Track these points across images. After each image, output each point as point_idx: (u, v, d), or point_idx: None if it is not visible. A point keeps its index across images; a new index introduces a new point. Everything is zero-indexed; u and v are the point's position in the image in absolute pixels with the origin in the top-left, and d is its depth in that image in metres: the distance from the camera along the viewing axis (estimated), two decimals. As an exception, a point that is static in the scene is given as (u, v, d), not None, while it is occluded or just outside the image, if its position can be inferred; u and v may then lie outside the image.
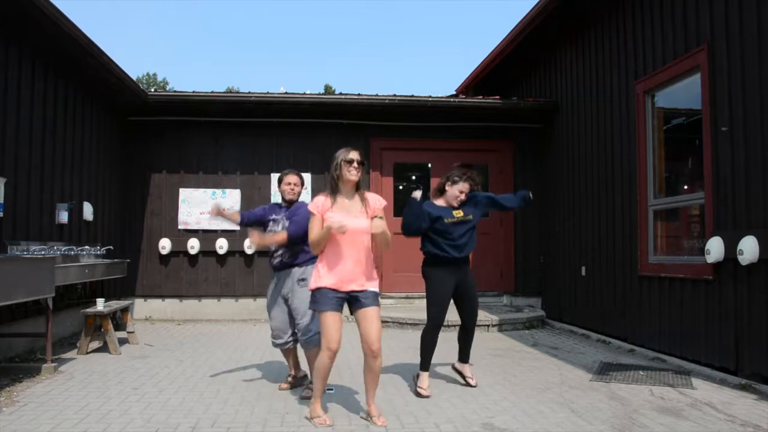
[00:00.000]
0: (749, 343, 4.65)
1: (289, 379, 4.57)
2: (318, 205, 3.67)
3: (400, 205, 8.36)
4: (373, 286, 3.66)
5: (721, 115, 5.04)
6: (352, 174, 3.62)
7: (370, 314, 3.60)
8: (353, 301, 3.63)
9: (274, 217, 4.50)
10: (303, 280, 4.29)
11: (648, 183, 6.13)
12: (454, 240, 4.46)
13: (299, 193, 4.54)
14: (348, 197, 3.69)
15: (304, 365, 4.60)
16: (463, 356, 4.71)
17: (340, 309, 3.62)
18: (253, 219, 4.57)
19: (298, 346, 4.47)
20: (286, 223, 4.37)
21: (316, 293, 3.62)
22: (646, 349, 5.95)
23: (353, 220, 3.58)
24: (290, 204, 4.50)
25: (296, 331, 4.37)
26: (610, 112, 6.88)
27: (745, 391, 4.52)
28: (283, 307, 4.42)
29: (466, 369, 4.71)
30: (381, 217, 3.63)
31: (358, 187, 3.71)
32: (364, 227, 3.59)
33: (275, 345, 4.53)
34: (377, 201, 3.74)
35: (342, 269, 3.58)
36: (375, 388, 3.72)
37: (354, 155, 3.65)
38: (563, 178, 8.01)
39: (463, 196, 4.56)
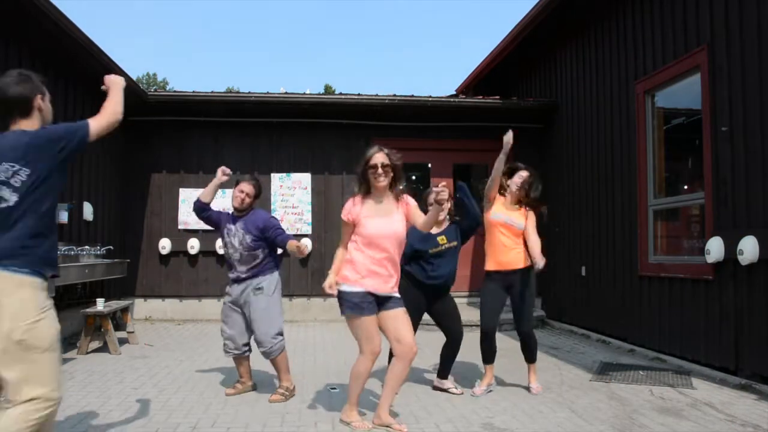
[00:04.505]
0: (749, 343, 4.65)
1: (238, 385, 4.39)
2: (347, 211, 3.54)
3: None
4: (397, 288, 3.58)
5: (721, 115, 5.04)
6: (379, 180, 3.46)
7: (401, 314, 3.50)
8: (381, 303, 3.50)
9: (228, 227, 4.30)
10: (259, 288, 4.22)
11: (648, 183, 6.14)
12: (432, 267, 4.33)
13: (249, 205, 4.31)
14: (379, 199, 3.53)
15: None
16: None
17: (376, 312, 3.47)
18: (214, 217, 4.43)
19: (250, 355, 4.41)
20: (243, 236, 4.20)
21: (352, 297, 3.42)
22: (646, 349, 5.95)
23: (386, 221, 3.47)
24: (241, 213, 4.31)
25: (256, 341, 4.25)
26: (610, 112, 6.88)
27: (745, 391, 4.52)
28: (238, 316, 4.31)
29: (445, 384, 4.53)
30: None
31: (393, 187, 3.54)
32: (398, 230, 3.49)
33: (228, 353, 4.36)
34: (406, 198, 3.59)
35: (378, 273, 3.44)
36: (394, 396, 3.56)
37: (377, 159, 3.47)
38: (563, 178, 8.01)
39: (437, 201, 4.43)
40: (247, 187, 4.32)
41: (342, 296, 3.48)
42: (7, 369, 2.31)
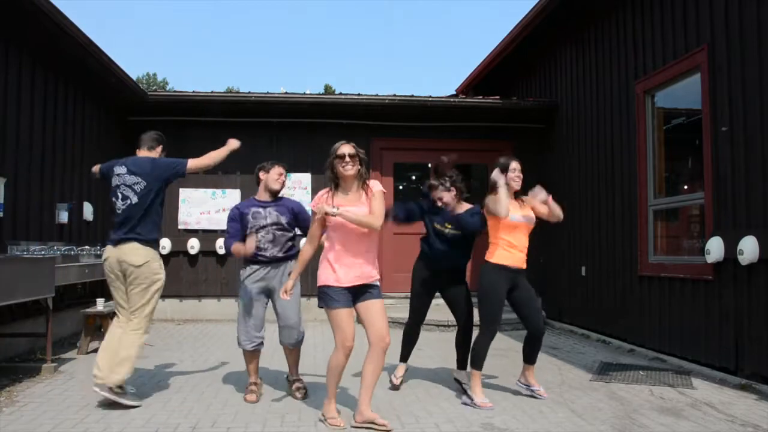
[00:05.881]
0: (749, 343, 4.65)
1: (253, 387, 4.23)
2: (316, 201, 3.63)
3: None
4: (376, 280, 3.60)
5: (721, 115, 5.04)
6: (347, 169, 3.54)
7: (376, 306, 3.54)
8: (357, 295, 3.55)
9: (256, 211, 4.29)
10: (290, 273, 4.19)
11: (648, 183, 6.13)
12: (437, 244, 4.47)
13: (284, 184, 4.44)
14: (347, 191, 3.61)
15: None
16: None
17: (350, 305, 3.53)
18: (238, 234, 4.31)
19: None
20: (278, 217, 4.26)
21: (325, 289, 3.52)
22: (646, 349, 5.95)
23: (351, 208, 3.51)
24: (274, 197, 4.38)
25: (287, 327, 4.21)
26: (610, 112, 6.88)
27: (745, 391, 4.52)
28: (260, 306, 4.26)
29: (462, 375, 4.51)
30: (334, 213, 3.49)
31: (362, 180, 3.60)
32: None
33: (249, 345, 4.19)
34: (375, 186, 3.62)
35: (345, 263, 3.51)
36: (373, 389, 3.60)
37: (345, 149, 3.55)
38: (563, 178, 8.01)
39: (442, 203, 4.44)
40: (281, 168, 4.42)
41: (319, 289, 3.57)
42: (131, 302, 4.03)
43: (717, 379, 4.87)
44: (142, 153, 4.22)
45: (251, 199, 4.45)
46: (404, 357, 4.71)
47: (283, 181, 4.43)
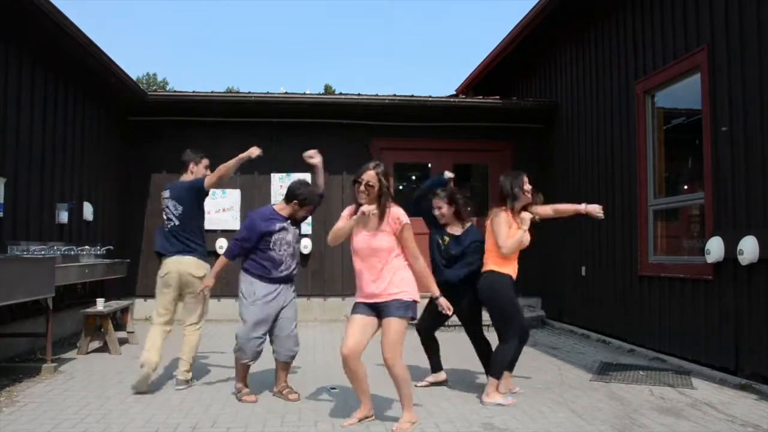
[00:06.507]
0: (749, 343, 4.65)
1: (246, 390, 4.20)
2: (344, 215, 3.73)
3: (400, 204, 8.33)
4: (399, 296, 3.50)
5: (721, 115, 5.04)
6: (360, 197, 3.54)
7: (385, 324, 3.51)
8: (380, 310, 3.55)
9: (283, 225, 4.22)
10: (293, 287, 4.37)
11: (648, 183, 6.13)
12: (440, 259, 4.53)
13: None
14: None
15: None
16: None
17: (365, 313, 3.56)
18: (254, 239, 4.19)
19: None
20: (295, 231, 4.29)
21: (355, 300, 3.69)
22: (646, 349, 5.95)
23: (365, 235, 3.55)
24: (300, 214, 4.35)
25: (288, 341, 4.19)
26: (610, 112, 6.88)
27: (745, 391, 4.52)
28: (271, 317, 4.21)
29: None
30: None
31: (381, 201, 3.52)
32: (375, 245, 3.52)
33: (253, 355, 4.13)
34: (397, 219, 3.54)
35: (361, 284, 3.61)
36: (403, 396, 3.54)
37: (365, 176, 3.52)
38: (563, 178, 8.01)
39: (438, 212, 4.52)
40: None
41: None
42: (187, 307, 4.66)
43: (717, 379, 4.87)
44: (183, 176, 4.67)
45: (274, 212, 4.30)
46: (432, 367, 4.71)
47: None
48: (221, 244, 8.32)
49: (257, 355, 4.20)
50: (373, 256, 3.53)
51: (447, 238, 4.49)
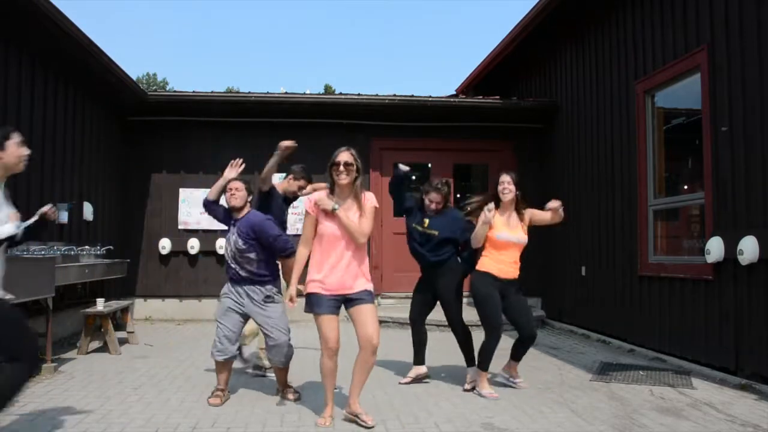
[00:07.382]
0: (749, 343, 4.65)
1: (219, 393, 4.14)
2: (311, 203, 3.61)
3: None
4: (367, 287, 3.62)
5: (721, 115, 5.04)
6: (341, 178, 3.55)
7: (364, 309, 3.57)
8: (347, 301, 3.60)
9: (230, 228, 4.20)
10: (268, 297, 4.12)
11: (648, 183, 6.13)
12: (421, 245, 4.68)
13: (241, 199, 4.18)
14: (343, 198, 3.62)
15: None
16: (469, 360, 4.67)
17: (335, 312, 3.58)
18: (220, 213, 4.33)
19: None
20: (236, 239, 4.07)
21: (311, 296, 3.59)
22: (646, 349, 5.95)
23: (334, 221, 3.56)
24: (235, 211, 4.19)
25: (269, 346, 4.11)
26: (610, 112, 6.88)
27: (745, 391, 4.52)
28: (237, 319, 4.17)
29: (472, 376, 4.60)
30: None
31: (356, 191, 3.60)
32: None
33: (219, 357, 4.11)
34: (369, 200, 3.64)
35: (331, 271, 3.55)
36: (362, 385, 3.66)
37: (342, 157, 3.55)
38: (563, 178, 8.01)
39: (432, 206, 4.66)
40: (235, 183, 4.29)
41: (306, 295, 3.63)
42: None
43: (717, 379, 4.87)
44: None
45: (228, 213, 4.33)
46: (414, 359, 4.80)
47: (235, 195, 4.23)
48: (221, 244, 8.32)
49: (221, 353, 4.12)
50: (349, 240, 3.55)
51: (427, 220, 4.63)
